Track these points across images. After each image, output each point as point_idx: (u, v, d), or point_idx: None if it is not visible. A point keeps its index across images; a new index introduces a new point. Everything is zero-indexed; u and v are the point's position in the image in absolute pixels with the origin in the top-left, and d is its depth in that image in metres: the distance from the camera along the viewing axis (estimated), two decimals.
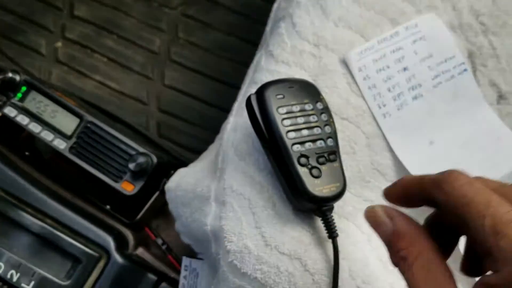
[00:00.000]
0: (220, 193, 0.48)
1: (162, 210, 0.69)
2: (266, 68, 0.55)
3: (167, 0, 1.00)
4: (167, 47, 0.97)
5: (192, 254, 0.61)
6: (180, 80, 0.95)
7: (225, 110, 0.91)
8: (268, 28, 0.64)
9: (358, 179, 0.50)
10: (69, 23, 0.97)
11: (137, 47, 0.96)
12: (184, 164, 0.78)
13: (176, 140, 0.90)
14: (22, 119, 0.63)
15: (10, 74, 0.63)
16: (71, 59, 0.94)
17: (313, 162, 0.45)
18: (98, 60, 0.95)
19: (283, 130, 0.45)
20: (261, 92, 0.46)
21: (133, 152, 0.61)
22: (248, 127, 0.50)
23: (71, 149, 0.62)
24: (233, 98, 0.87)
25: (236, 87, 0.93)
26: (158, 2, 1.00)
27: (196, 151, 0.90)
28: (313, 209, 0.45)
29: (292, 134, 0.45)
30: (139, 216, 0.64)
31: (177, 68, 0.96)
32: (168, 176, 0.64)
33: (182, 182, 0.54)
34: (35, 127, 0.63)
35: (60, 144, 0.62)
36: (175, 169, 0.61)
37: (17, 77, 0.64)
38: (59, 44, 0.96)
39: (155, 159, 0.60)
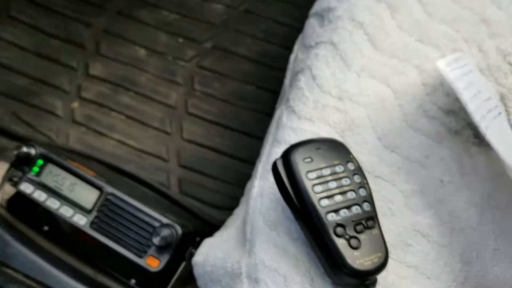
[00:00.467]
0: (252, 269, 0.45)
1: (189, 280, 0.65)
2: (288, 125, 0.52)
3: (181, 53, 0.99)
4: (184, 100, 0.95)
5: None
6: (199, 133, 0.93)
7: (247, 162, 0.89)
8: (287, 81, 0.62)
9: (399, 243, 0.46)
10: (84, 82, 0.97)
11: (154, 102, 0.95)
12: (209, 225, 0.76)
13: (198, 196, 0.87)
14: (39, 195, 0.61)
15: (25, 149, 0.61)
16: (88, 119, 0.94)
17: (350, 232, 0.41)
18: (115, 118, 0.94)
19: (314, 198, 0.42)
20: (287, 157, 0.44)
21: (156, 224, 0.58)
22: (276, 192, 0.47)
23: (92, 224, 0.60)
24: (254, 148, 0.85)
25: (256, 137, 0.91)
26: (172, 56, 0.99)
27: (219, 207, 0.88)
28: (355, 284, 0.41)
29: (325, 202, 0.42)
30: None
31: (195, 121, 0.94)
32: (194, 244, 0.61)
33: (210, 255, 0.50)
34: (53, 203, 0.61)
35: (81, 220, 0.60)
36: (201, 236, 0.58)
37: (32, 151, 0.62)
38: (75, 104, 0.95)
39: (179, 230, 0.57)
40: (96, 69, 0.98)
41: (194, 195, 0.86)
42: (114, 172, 0.81)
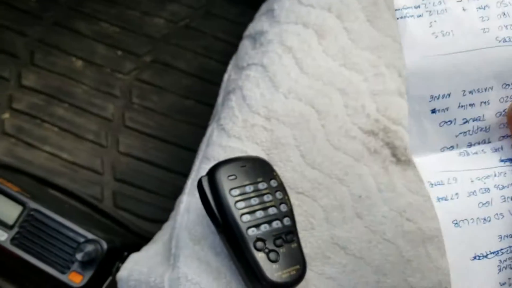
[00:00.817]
0: (174, 283, 0.46)
1: None
2: (218, 143, 0.54)
3: (120, 65, 0.99)
4: (121, 113, 0.95)
5: None
6: (135, 146, 0.92)
7: (183, 175, 0.89)
8: (219, 100, 0.63)
9: (319, 256, 0.49)
10: (16, 93, 0.94)
11: (90, 114, 0.94)
12: (141, 238, 0.75)
13: (132, 209, 0.86)
14: None
15: None
16: (19, 131, 0.91)
17: (270, 246, 0.43)
18: (48, 130, 0.92)
19: (236, 213, 0.43)
20: (212, 174, 0.45)
21: (81, 239, 0.58)
22: (202, 207, 0.48)
23: (12, 240, 0.58)
24: (191, 162, 0.85)
25: (194, 151, 0.91)
26: (110, 68, 0.98)
27: (154, 220, 0.87)
28: None
29: (246, 217, 0.43)
30: None
31: (132, 134, 0.94)
32: (122, 258, 0.61)
33: (135, 270, 0.51)
34: None
35: (1, 236, 0.58)
36: (129, 250, 0.58)
37: None
38: (6, 115, 0.92)
39: (105, 246, 0.57)
40: (29, 79, 0.95)
41: (128, 208, 0.86)
42: (43, 185, 0.79)
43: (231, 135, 0.53)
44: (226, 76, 0.65)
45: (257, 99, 0.55)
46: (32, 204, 0.59)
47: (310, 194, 0.50)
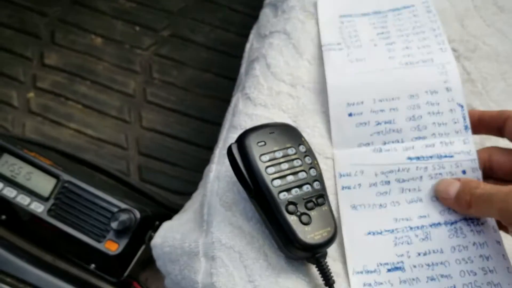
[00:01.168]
0: (209, 248, 0.47)
1: (149, 262, 0.67)
2: (244, 112, 0.54)
3: (139, 41, 0.99)
4: (142, 89, 0.96)
5: None
6: (158, 121, 0.94)
7: (206, 148, 0.91)
8: (242, 69, 0.63)
9: None
10: (40, 72, 0.95)
11: (112, 91, 0.95)
12: (169, 210, 0.77)
13: (158, 183, 0.88)
14: None
15: None
16: (44, 109, 0.93)
17: (301, 209, 0.44)
18: (72, 107, 0.93)
19: (267, 178, 0.44)
20: (241, 141, 0.45)
21: (114, 209, 0.59)
22: (232, 175, 0.49)
23: (49, 211, 0.60)
24: (213, 135, 0.86)
25: (215, 123, 0.93)
26: (129, 44, 0.99)
27: (179, 193, 0.89)
28: (307, 257, 0.44)
29: (277, 182, 0.44)
30: (126, 273, 0.62)
31: (154, 109, 0.95)
32: (154, 227, 0.63)
33: (168, 237, 0.52)
34: (10, 192, 0.61)
35: (38, 208, 0.60)
36: (160, 220, 0.60)
37: None
38: (31, 94, 0.94)
39: (138, 215, 0.58)
40: (52, 58, 0.97)
41: (154, 181, 0.88)
42: (72, 161, 0.81)
43: (257, 104, 0.54)
44: (248, 46, 0.65)
45: (281, 67, 0.55)
46: (66, 176, 0.61)
47: None
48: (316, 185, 0.45)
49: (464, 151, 0.47)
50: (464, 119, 0.48)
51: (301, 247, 0.43)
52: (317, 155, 0.50)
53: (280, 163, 0.45)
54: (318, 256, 0.43)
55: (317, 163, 0.47)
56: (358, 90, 0.50)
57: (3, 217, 0.65)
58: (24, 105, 0.92)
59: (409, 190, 0.46)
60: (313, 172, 0.46)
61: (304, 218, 0.43)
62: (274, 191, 0.43)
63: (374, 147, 0.48)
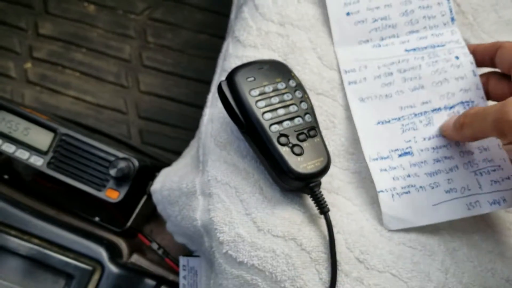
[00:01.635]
0: (205, 186, 0.48)
1: (153, 214, 0.68)
2: (234, 54, 0.54)
3: (132, 6, 0.99)
4: (138, 53, 0.96)
5: (189, 253, 0.60)
6: (155, 84, 0.94)
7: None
8: (232, 16, 0.63)
9: (343, 152, 0.49)
10: (35, 42, 0.95)
11: (108, 57, 0.95)
12: (169, 165, 0.78)
13: (159, 144, 0.89)
14: None
15: None
16: (42, 78, 0.93)
17: (293, 140, 0.44)
18: (70, 75, 0.93)
19: (258, 112, 0.44)
20: (231, 78, 0.46)
21: (112, 158, 0.60)
22: (225, 116, 0.49)
23: (49, 164, 0.61)
24: None
25: None
26: (122, 10, 0.98)
27: (180, 153, 0.89)
28: (301, 187, 0.44)
29: (268, 115, 0.44)
30: (129, 223, 0.63)
31: (151, 73, 0.95)
32: (154, 178, 0.63)
33: (167, 181, 0.53)
34: (8, 148, 0.61)
35: (37, 161, 0.61)
36: (160, 171, 0.60)
37: None
38: (28, 65, 0.94)
39: (136, 163, 0.59)
40: (46, 28, 0.96)
41: (155, 143, 0.88)
42: (73, 124, 0.82)
43: (246, 45, 0.54)
44: None
45: (269, 7, 0.54)
46: (63, 130, 0.62)
47: (330, 94, 0.51)
48: (308, 117, 0.46)
49: (453, 40, 0.50)
50: (451, 11, 0.51)
51: (294, 177, 0.43)
52: (308, 91, 0.50)
53: (270, 97, 0.45)
54: (311, 186, 0.44)
55: (308, 97, 0.47)
56: None
57: (6, 176, 0.66)
58: (22, 76, 0.93)
59: (411, 79, 0.49)
60: (304, 105, 0.46)
61: (296, 149, 0.44)
62: (265, 124, 0.44)
63: (373, 43, 0.51)
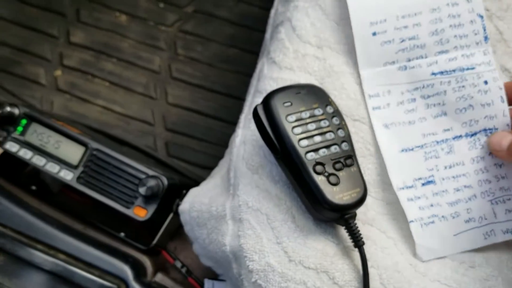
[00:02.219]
0: (236, 211, 0.46)
1: (178, 231, 0.67)
2: (269, 76, 0.53)
3: (163, 18, 0.99)
4: (167, 65, 0.95)
5: (214, 276, 0.58)
6: (183, 96, 0.93)
7: (232, 123, 0.90)
8: (267, 35, 0.62)
9: (379, 182, 0.48)
10: (66, 50, 0.96)
11: (138, 68, 0.95)
12: (196, 182, 0.77)
13: (185, 158, 0.88)
14: (25, 153, 0.62)
15: (8, 108, 0.61)
16: (72, 87, 0.93)
17: (329, 169, 0.43)
18: (99, 85, 0.94)
19: (294, 139, 0.43)
20: (267, 102, 0.45)
21: (142, 176, 0.59)
22: (258, 139, 0.48)
23: (78, 179, 0.61)
24: (238, 110, 0.85)
25: (241, 99, 0.92)
26: (153, 21, 0.99)
27: (206, 167, 0.89)
28: (335, 218, 0.43)
29: (304, 142, 0.43)
30: (155, 241, 0.62)
31: (179, 85, 0.94)
32: (181, 196, 0.63)
33: (196, 202, 0.52)
34: (39, 160, 0.61)
35: (67, 175, 0.61)
36: (187, 189, 0.60)
37: (16, 111, 0.62)
38: (58, 72, 0.95)
39: (165, 181, 0.58)
40: (77, 36, 0.97)
41: (181, 156, 0.88)
42: (100, 135, 0.82)
43: (282, 67, 0.53)
44: (272, 11, 0.64)
45: (307, 29, 0.53)
46: (94, 144, 0.61)
47: (367, 121, 0.49)
48: (345, 146, 0.44)
49: (484, 62, 0.48)
50: (484, 30, 0.49)
51: (329, 208, 0.42)
52: (344, 117, 0.49)
53: (307, 124, 0.44)
54: (347, 217, 0.42)
55: (345, 124, 0.46)
56: (380, 8, 0.50)
57: (33, 187, 0.66)
58: (52, 83, 0.93)
59: (434, 105, 0.48)
60: (341, 133, 0.45)
61: (332, 178, 0.42)
62: (301, 151, 0.42)
63: (399, 65, 0.50)
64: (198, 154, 0.89)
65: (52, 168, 0.61)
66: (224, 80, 0.95)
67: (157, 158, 0.81)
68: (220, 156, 0.88)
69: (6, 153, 0.63)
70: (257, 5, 0.99)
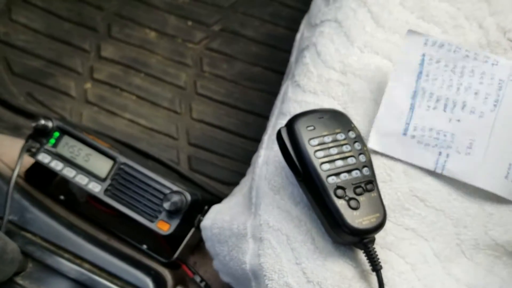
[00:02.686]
0: (256, 230, 0.48)
1: (198, 246, 0.68)
2: (293, 98, 0.55)
3: (191, 35, 1.02)
4: (193, 81, 0.98)
5: None
6: (207, 112, 0.96)
7: (253, 140, 0.92)
8: (292, 58, 0.64)
9: (398, 207, 0.49)
10: (97, 64, 1.00)
11: (164, 83, 0.98)
12: (217, 198, 0.78)
13: (206, 172, 0.90)
14: (56, 165, 0.64)
15: (42, 121, 0.64)
16: (100, 99, 0.97)
17: (350, 194, 0.44)
18: (127, 98, 0.97)
19: (316, 162, 0.44)
20: (291, 125, 0.46)
21: (167, 191, 0.61)
22: (281, 160, 0.50)
23: (106, 191, 0.63)
24: (261, 128, 0.87)
25: (263, 116, 0.94)
26: (181, 38, 1.02)
27: (227, 183, 0.90)
28: (354, 242, 0.44)
29: (326, 166, 0.44)
30: (176, 255, 0.64)
31: (204, 101, 0.97)
32: (203, 212, 0.64)
33: (217, 219, 0.53)
34: (69, 172, 0.64)
35: (95, 187, 0.63)
36: (209, 205, 0.61)
37: (50, 124, 0.65)
38: (88, 85, 0.98)
39: (189, 197, 0.60)
40: (108, 51, 1.01)
41: (202, 171, 0.89)
42: (126, 148, 0.84)
43: (306, 90, 0.54)
44: (298, 35, 0.65)
45: (331, 55, 0.55)
46: (122, 159, 0.64)
47: None
48: (366, 171, 0.45)
49: None
50: None
51: (349, 232, 0.43)
52: (367, 143, 0.50)
53: (329, 148, 0.45)
54: (366, 242, 0.43)
55: (367, 150, 0.47)
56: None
57: (62, 197, 0.69)
58: (82, 95, 0.97)
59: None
60: (362, 158, 0.46)
61: (352, 203, 0.43)
62: (323, 175, 0.44)
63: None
64: (219, 169, 0.90)
65: (82, 180, 0.63)
66: (247, 97, 0.96)
67: (179, 172, 0.83)
68: (240, 172, 0.90)
69: (37, 163, 0.66)
70: (282, 26, 1.02)
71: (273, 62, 0.99)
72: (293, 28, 0.99)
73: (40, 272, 0.58)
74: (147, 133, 0.93)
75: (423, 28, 0.56)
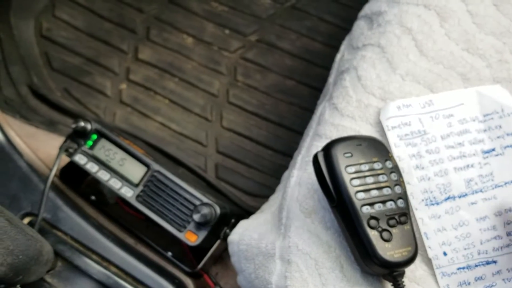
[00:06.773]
0: (285, 251, 0.48)
1: (221, 257, 0.69)
2: (330, 121, 0.55)
3: (227, 44, 1.02)
4: (226, 90, 0.99)
5: None
6: (237, 122, 0.96)
7: (282, 153, 0.92)
8: (331, 79, 0.64)
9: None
10: (133, 65, 1.01)
11: (198, 89, 0.99)
12: (243, 210, 0.79)
13: (233, 182, 0.90)
14: (92, 167, 0.66)
15: (82, 123, 0.66)
16: (134, 101, 0.98)
17: (383, 225, 0.44)
18: (160, 102, 0.98)
19: (352, 190, 0.44)
20: (328, 150, 0.46)
21: (197, 202, 0.62)
22: (313, 182, 0.50)
23: (137, 197, 0.64)
24: (290, 141, 0.87)
25: (293, 130, 0.94)
26: (217, 46, 1.02)
27: (253, 194, 0.91)
28: (384, 273, 0.44)
29: (361, 195, 0.44)
30: (200, 265, 0.64)
31: (235, 110, 0.97)
32: (229, 225, 0.65)
33: (245, 235, 0.53)
34: (104, 175, 0.65)
35: (128, 192, 0.64)
36: (236, 218, 0.62)
37: (89, 126, 0.67)
38: (123, 86, 1.00)
39: (218, 210, 0.60)
40: (145, 53, 1.02)
41: (229, 180, 0.90)
42: (158, 154, 0.85)
43: (344, 114, 0.54)
44: (338, 56, 0.65)
45: (372, 80, 0.55)
46: (155, 166, 0.64)
47: None
48: (400, 203, 0.45)
49: None
50: None
51: (379, 263, 0.42)
52: (403, 173, 0.49)
53: (365, 177, 0.45)
54: (395, 274, 0.43)
55: (403, 181, 0.46)
56: None
57: (93, 197, 0.70)
58: (116, 95, 0.99)
59: None
60: (398, 189, 0.46)
61: (385, 234, 0.43)
62: (357, 204, 0.44)
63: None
64: (245, 180, 0.91)
65: (115, 184, 0.64)
66: (279, 110, 0.97)
67: (207, 180, 0.84)
68: (266, 185, 0.90)
69: (72, 163, 0.67)
70: (318, 41, 1.01)
71: (307, 77, 0.99)
72: (330, 44, 1.00)
73: (68, 271, 0.59)
74: (177, 138, 0.94)
75: (467, 60, 0.55)
